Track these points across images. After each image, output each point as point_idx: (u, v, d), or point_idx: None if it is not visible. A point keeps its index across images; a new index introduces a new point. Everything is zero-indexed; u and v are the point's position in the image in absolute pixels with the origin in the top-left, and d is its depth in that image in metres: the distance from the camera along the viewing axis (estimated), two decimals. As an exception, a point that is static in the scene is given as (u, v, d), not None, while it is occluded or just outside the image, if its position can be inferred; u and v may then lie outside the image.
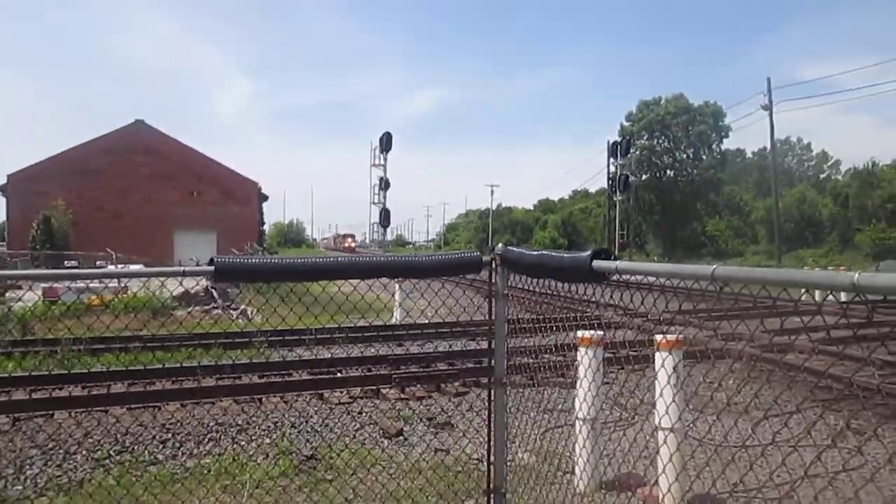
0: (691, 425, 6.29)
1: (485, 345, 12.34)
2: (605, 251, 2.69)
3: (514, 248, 3.48)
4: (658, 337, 5.17)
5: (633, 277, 2.65)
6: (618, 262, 2.53)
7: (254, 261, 3.34)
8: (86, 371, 9.72)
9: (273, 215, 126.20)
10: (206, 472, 6.11)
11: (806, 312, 4.00)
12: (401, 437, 7.33)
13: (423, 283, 4.10)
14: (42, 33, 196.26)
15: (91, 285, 16.43)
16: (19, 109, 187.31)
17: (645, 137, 68.66)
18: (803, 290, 1.81)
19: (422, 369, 10.39)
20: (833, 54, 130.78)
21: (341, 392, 9.16)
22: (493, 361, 3.68)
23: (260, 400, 8.72)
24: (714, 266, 1.96)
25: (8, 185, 44.59)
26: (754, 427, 6.81)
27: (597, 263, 2.62)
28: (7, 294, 18.12)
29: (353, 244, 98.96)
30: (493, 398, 3.67)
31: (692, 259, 56.56)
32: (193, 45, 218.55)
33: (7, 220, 46.47)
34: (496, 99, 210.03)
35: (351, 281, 3.68)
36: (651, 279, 2.89)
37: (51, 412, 7.99)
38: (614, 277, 2.62)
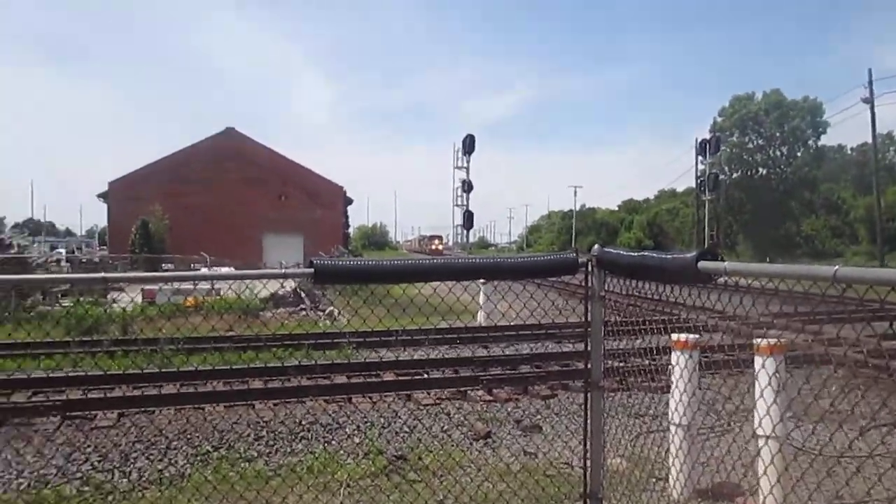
0: (791, 433, 6.05)
1: (569, 347, 12.22)
2: (710, 252, 2.61)
3: (611, 250, 3.43)
4: (758, 340, 4.99)
5: (728, 279, 2.56)
6: (726, 262, 2.45)
7: (351, 263, 3.39)
8: (187, 369, 10.08)
9: (357, 218, 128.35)
10: (300, 469, 6.25)
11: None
12: (490, 440, 7.32)
13: (504, 285, 4.08)
14: (137, 46, 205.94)
15: (184, 286, 17.14)
16: (119, 120, 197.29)
17: (736, 135, 66.60)
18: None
19: (509, 371, 10.35)
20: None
21: (428, 393, 9.22)
22: (588, 364, 3.63)
23: (350, 400, 8.87)
24: (836, 267, 1.86)
25: (109, 191, 46.93)
26: (861, 434, 6.50)
27: (703, 264, 2.54)
28: (109, 295, 19.06)
29: (440, 246, 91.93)
30: (589, 402, 3.62)
31: (787, 260, 54.43)
32: (277, 51, 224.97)
33: (108, 224, 48.85)
34: (578, 97, 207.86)
35: (433, 283, 3.69)
36: (749, 282, 2.78)
37: (154, 409, 8.34)
38: (721, 279, 2.54)
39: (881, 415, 7.12)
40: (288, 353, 11.84)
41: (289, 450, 6.99)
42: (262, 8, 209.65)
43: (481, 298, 16.39)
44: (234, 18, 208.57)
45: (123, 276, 6.09)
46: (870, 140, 50.86)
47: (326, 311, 19.07)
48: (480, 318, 16.46)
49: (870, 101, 46.57)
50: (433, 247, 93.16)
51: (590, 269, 3.51)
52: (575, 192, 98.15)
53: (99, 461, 6.53)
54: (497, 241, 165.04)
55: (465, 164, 44.37)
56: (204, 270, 26.29)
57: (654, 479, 5.25)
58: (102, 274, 3.91)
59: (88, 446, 6.97)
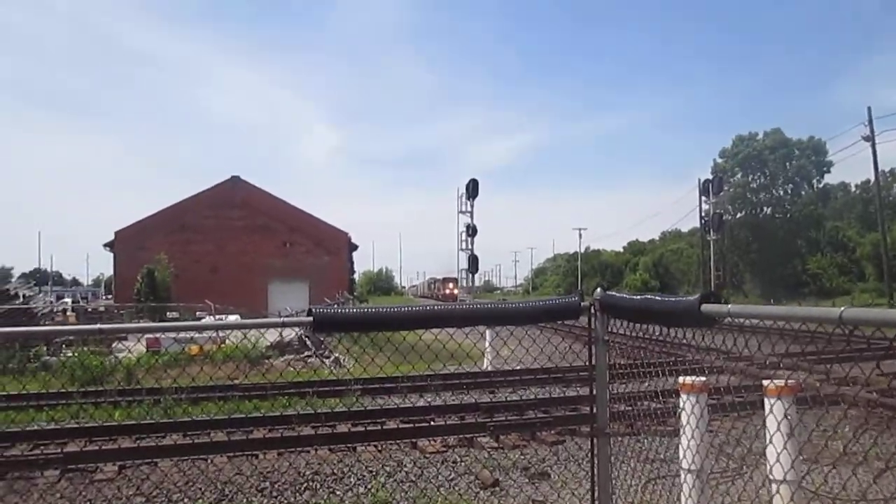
0: (805, 476, 5.91)
1: (575, 392, 12.08)
2: (713, 294, 2.57)
3: (614, 293, 3.38)
4: (767, 382, 4.91)
5: (735, 319, 2.51)
6: (730, 305, 2.40)
7: (351, 311, 3.35)
8: (188, 419, 9.98)
9: (362, 264, 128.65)
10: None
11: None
12: (496, 488, 7.17)
13: (509, 329, 4.03)
14: (143, 99, 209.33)
15: (192, 336, 17.07)
16: (125, 171, 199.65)
17: (739, 174, 66.91)
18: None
19: (516, 417, 10.21)
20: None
21: (433, 441, 9.08)
22: (594, 409, 3.56)
23: (355, 448, 8.73)
24: (842, 308, 1.81)
25: (115, 241, 47.18)
26: (876, 478, 6.35)
27: (706, 307, 2.50)
28: (113, 345, 18.99)
29: (455, 290, 76.81)
30: (596, 448, 3.54)
31: (794, 298, 54.16)
32: (281, 99, 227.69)
33: (114, 274, 48.97)
34: (580, 140, 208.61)
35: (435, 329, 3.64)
36: (755, 322, 2.73)
37: (155, 460, 8.22)
38: (725, 321, 2.49)
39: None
40: (291, 402, 11.72)
41: (292, 501, 6.86)
42: (267, 61, 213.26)
43: (486, 343, 16.27)
44: (243, 71, 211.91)
45: (119, 326, 6.04)
46: (872, 177, 51.02)
47: (331, 358, 18.95)
48: (486, 363, 16.32)
49: (870, 138, 46.82)
50: (447, 291, 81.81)
51: (593, 312, 3.47)
52: (580, 235, 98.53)
53: (98, 516, 6.41)
54: (503, 284, 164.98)
55: (469, 209, 44.47)
56: (208, 319, 26.24)
57: (665, 527, 5.12)
58: (98, 326, 3.87)
59: (87, 500, 6.86)
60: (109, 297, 53.06)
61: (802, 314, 2.08)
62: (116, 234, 47.33)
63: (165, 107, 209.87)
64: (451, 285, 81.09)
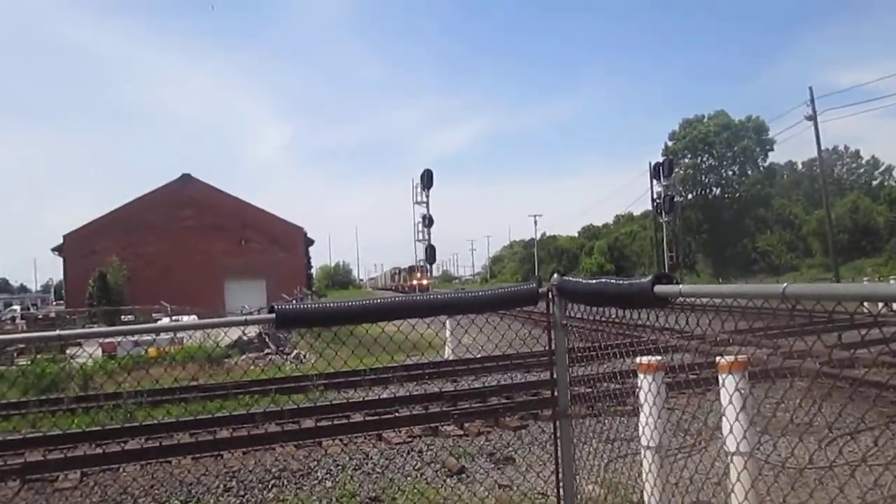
0: (758, 447, 6.13)
1: (537, 376, 12.25)
2: (666, 275, 2.67)
3: (570, 278, 3.47)
4: (720, 359, 5.07)
5: (688, 299, 2.62)
6: (681, 285, 2.51)
7: (312, 306, 3.38)
8: (152, 423, 9.87)
9: (319, 258, 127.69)
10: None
11: (864, 325, 3.91)
12: (463, 475, 7.27)
13: (468, 318, 4.11)
14: (87, 96, 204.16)
15: (146, 337, 16.79)
16: (71, 172, 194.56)
17: (688, 156, 68.10)
18: (860, 303, 1.77)
19: (480, 404, 10.33)
20: (867, 60, 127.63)
21: (399, 432, 9.15)
22: (555, 393, 3.65)
23: (321, 443, 8.75)
24: (784, 284, 1.92)
25: (64, 244, 46.05)
26: (824, 445, 6.61)
27: (659, 289, 2.60)
28: (68, 350, 18.60)
29: (425, 280, 67.05)
30: (558, 431, 3.63)
31: (745, 276, 55.43)
32: (231, 95, 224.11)
33: (64, 278, 47.86)
34: (533, 127, 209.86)
35: (396, 321, 3.68)
36: (707, 300, 2.85)
37: (118, 465, 8.13)
38: (677, 301, 2.60)
39: (842, 424, 7.26)
40: (254, 400, 11.66)
41: (259, 499, 6.86)
42: (212, 57, 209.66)
43: (447, 332, 16.37)
44: (188, 66, 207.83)
45: (79, 332, 5.96)
46: (817, 155, 52.42)
47: (292, 354, 18.86)
48: (448, 353, 16.42)
49: (813, 118, 48.07)
50: (414, 282, 69.56)
51: (550, 298, 3.55)
52: (535, 222, 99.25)
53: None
54: (460, 273, 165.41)
55: (425, 199, 44.58)
56: (165, 320, 25.84)
57: (628, 503, 5.27)
58: (58, 332, 3.83)
59: (51, 509, 6.77)
60: (60, 302, 51.84)
61: (749, 291, 2.19)
62: (65, 237, 46.17)
63: (110, 106, 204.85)
64: (419, 275, 69.33)
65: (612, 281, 3.02)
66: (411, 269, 74.20)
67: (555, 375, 3.63)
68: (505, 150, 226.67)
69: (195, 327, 4.14)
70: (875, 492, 5.22)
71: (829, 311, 1.85)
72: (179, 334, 17.95)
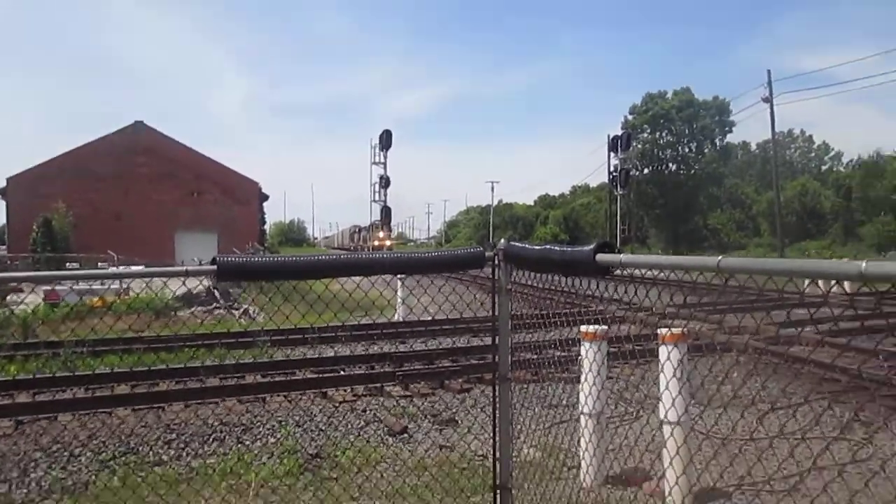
0: (697, 419, 6.28)
1: (488, 341, 12.31)
2: (608, 245, 2.66)
3: (517, 244, 3.46)
4: (662, 330, 5.15)
5: (637, 271, 2.63)
6: (622, 255, 2.51)
7: (256, 259, 3.31)
8: (89, 373, 9.70)
9: (274, 214, 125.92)
10: (211, 472, 6.11)
11: (812, 304, 4.00)
12: (405, 435, 7.32)
13: (425, 280, 4.09)
14: (39, 35, 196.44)
15: (93, 287, 16.42)
16: (18, 112, 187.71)
17: (648, 131, 68.64)
18: (808, 282, 1.79)
19: (425, 366, 10.37)
20: (832, 45, 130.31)
21: (345, 390, 9.15)
22: (497, 358, 3.66)
23: (264, 399, 8.71)
24: (719, 257, 1.93)
25: (7, 188, 44.58)
26: (761, 419, 6.80)
27: (600, 257, 2.60)
28: (8, 297, 18.13)
29: (387, 241, 58.42)
30: (497, 395, 3.65)
31: (695, 252, 56.42)
32: (190, 44, 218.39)
33: (7, 223, 46.46)
34: (496, 94, 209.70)
35: (354, 278, 3.65)
36: (656, 273, 2.87)
37: (55, 415, 7.98)
38: (618, 271, 2.60)
39: (781, 400, 7.48)
40: (201, 354, 11.53)
41: (200, 452, 6.81)
42: (180, 4, 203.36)
43: (398, 294, 16.38)
44: (151, 17, 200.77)
45: (14, 275, 5.78)
46: (770, 137, 53.34)
47: (241, 310, 18.69)
48: (399, 314, 16.44)
49: (769, 100, 48.80)
50: (376, 242, 57.67)
51: (497, 262, 3.53)
52: (492, 188, 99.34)
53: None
54: (416, 236, 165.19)
55: (383, 160, 44.27)
56: (111, 270, 25.31)
57: (566, 468, 5.36)
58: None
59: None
60: (2, 247, 50.35)
61: (685, 263, 2.20)
62: (8, 180, 44.60)
63: (73, 48, 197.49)
64: (381, 234, 59.73)
65: (556, 248, 3.01)
66: (373, 228, 63.83)
67: (496, 340, 3.63)
68: (467, 117, 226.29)
69: (134, 276, 4.03)
70: (790, 461, 5.43)
71: (779, 290, 1.86)
72: (125, 285, 17.62)
